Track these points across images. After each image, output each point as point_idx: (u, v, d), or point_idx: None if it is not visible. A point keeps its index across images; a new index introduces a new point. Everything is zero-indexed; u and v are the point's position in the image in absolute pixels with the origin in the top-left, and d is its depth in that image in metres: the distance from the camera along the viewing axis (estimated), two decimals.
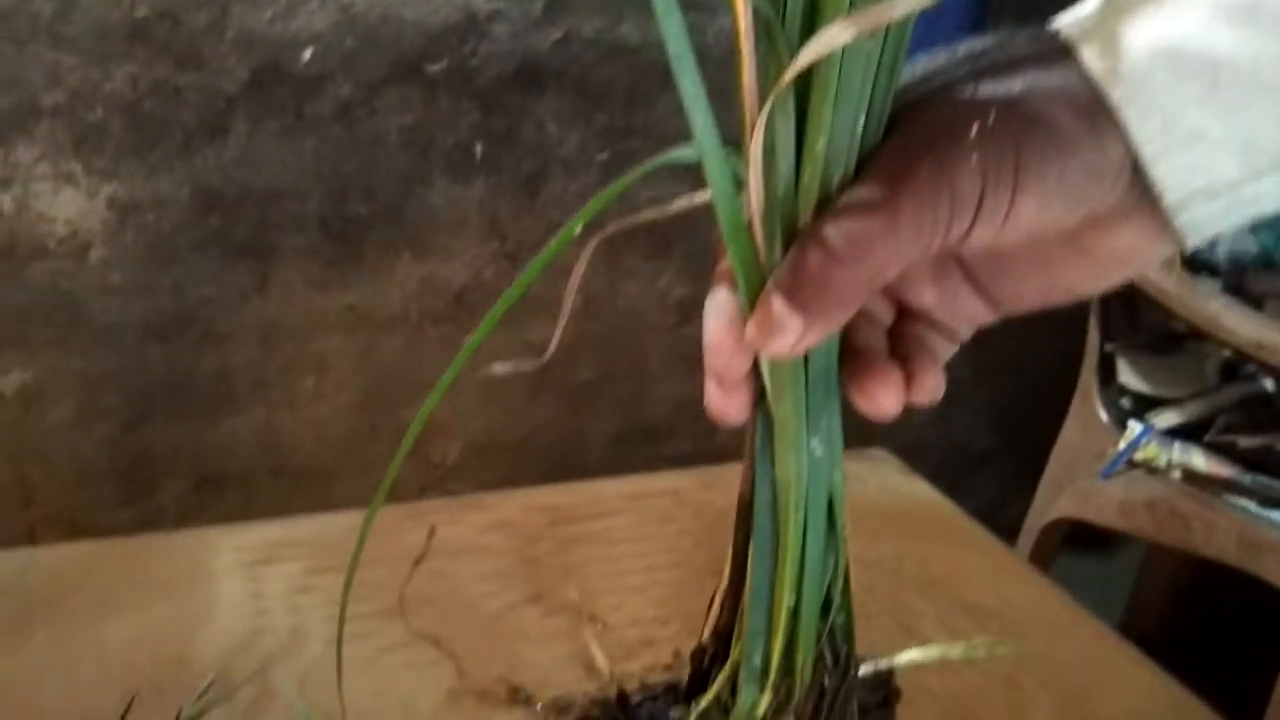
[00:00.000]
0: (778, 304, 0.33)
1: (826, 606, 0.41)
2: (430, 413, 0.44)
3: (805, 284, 0.33)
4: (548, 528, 0.87)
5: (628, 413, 1.40)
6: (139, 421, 1.07)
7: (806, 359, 0.36)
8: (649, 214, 0.37)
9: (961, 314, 0.38)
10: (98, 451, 1.06)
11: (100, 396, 1.04)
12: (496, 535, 0.86)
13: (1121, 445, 1.28)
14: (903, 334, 0.39)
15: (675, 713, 0.48)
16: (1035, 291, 0.36)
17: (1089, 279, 0.35)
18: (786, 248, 0.34)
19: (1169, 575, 1.58)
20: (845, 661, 0.42)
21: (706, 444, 1.41)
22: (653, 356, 1.36)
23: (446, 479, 1.29)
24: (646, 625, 0.74)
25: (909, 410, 0.37)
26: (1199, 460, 1.22)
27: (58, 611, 0.69)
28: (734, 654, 0.45)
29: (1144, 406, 1.33)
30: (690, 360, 1.40)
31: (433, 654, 0.72)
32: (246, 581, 0.75)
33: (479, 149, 1.11)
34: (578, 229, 0.36)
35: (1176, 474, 1.23)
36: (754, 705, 0.42)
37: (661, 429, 1.42)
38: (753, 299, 0.34)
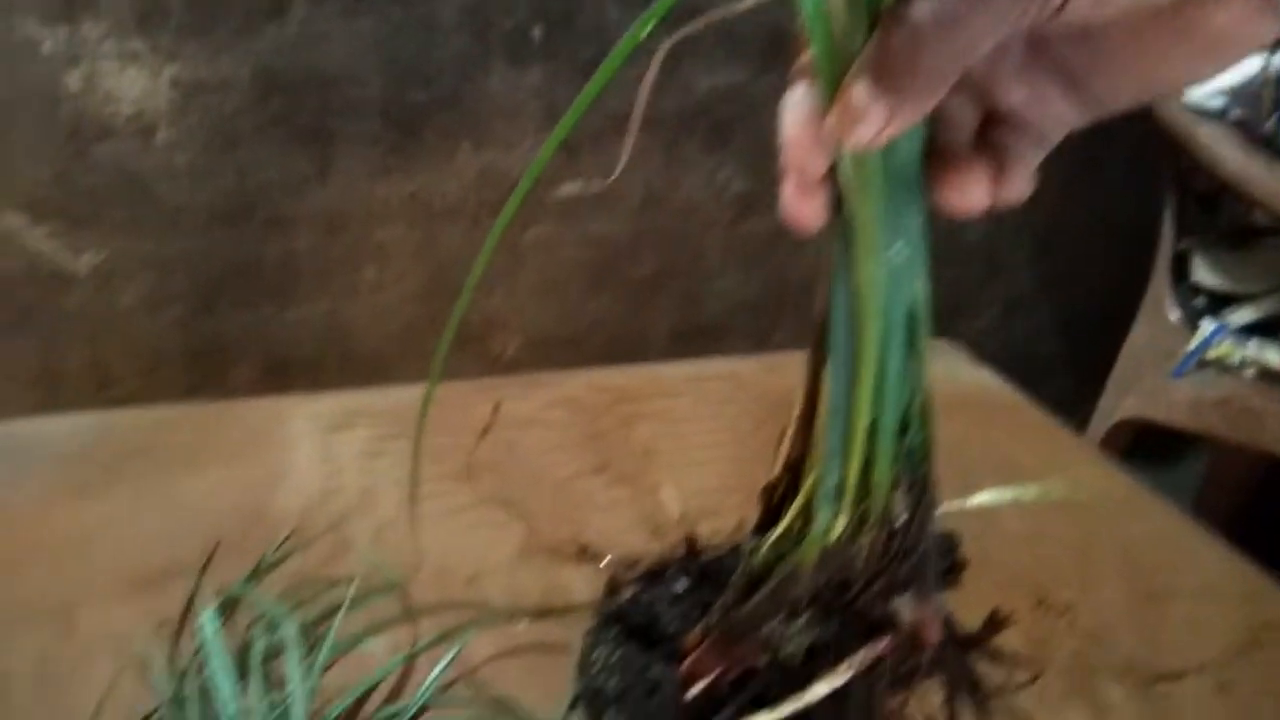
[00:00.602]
0: (861, 90, 0.32)
1: (905, 427, 0.40)
2: (483, 276, 0.43)
3: (890, 66, 0.32)
4: (611, 405, 0.88)
5: (685, 310, 1.39)
6: (208, 306, 1.09)
7: (888, 155, 0.34)
8: (720, 12, 0.36)
9: (1051, 114, 0.36)
10: (169, 335, 1.09)
11: (170, 280, 1.06)
12: (561, 411, 0.86)
13: (1193, 344, 1.24)
14: (989, 138, 0.37)
15: (747, 545, 0.49)
16: (1130, 84, 0.35)
17: (1186, 66, 0.33)
18: (870, 33, 0.33)
19: (1234, 482, 1.55)
20: (923, 483, 0.42)
21: (764, 343, 1.40)
22: (711, 252, 1.35)
23: (506, 373, 1.29)
24: (709, 496, 0.74)
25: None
26: (1274, 356, 1.18)
27: (140, 468, 0.72)
28: (807, 482, 0.45)
29: (1217, 304, 1.29)
30: (748, 257, 1.38)
31: (502, 515, 0.73)
32: (319, 446, 0.77)
33: (537, 32, 1.09)
34: (645, 31, 0.35)
35: (1250, 371, 1.20)
36: (829, 528, 0.42)
37: (719, 326, 1.42)
38: (834, 89, 0.33)
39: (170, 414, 0.79)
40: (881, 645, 0.46)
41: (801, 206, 0.36)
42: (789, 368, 0.98)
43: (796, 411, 0.46)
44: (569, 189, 1.22)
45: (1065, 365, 1.60)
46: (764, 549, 0.47)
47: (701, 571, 0.59)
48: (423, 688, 0.58)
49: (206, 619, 0.53)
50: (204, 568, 0.63)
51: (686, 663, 0.52)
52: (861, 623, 0.48)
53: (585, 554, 0.71)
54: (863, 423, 0.39)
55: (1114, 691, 0.63)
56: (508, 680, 0.60)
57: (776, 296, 1.40)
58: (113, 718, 0.53)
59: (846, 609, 0.47)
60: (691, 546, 0.58)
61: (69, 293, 1.03)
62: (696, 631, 0.53)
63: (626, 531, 0.73)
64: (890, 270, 0.36)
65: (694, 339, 1.40)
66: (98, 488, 0.69)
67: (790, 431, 0.46)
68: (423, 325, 1.21)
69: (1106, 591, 0.72)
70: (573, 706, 0.58)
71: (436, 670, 0.59)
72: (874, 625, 0.47)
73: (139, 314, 1.06)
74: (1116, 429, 1.37)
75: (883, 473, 0.40)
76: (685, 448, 0.83)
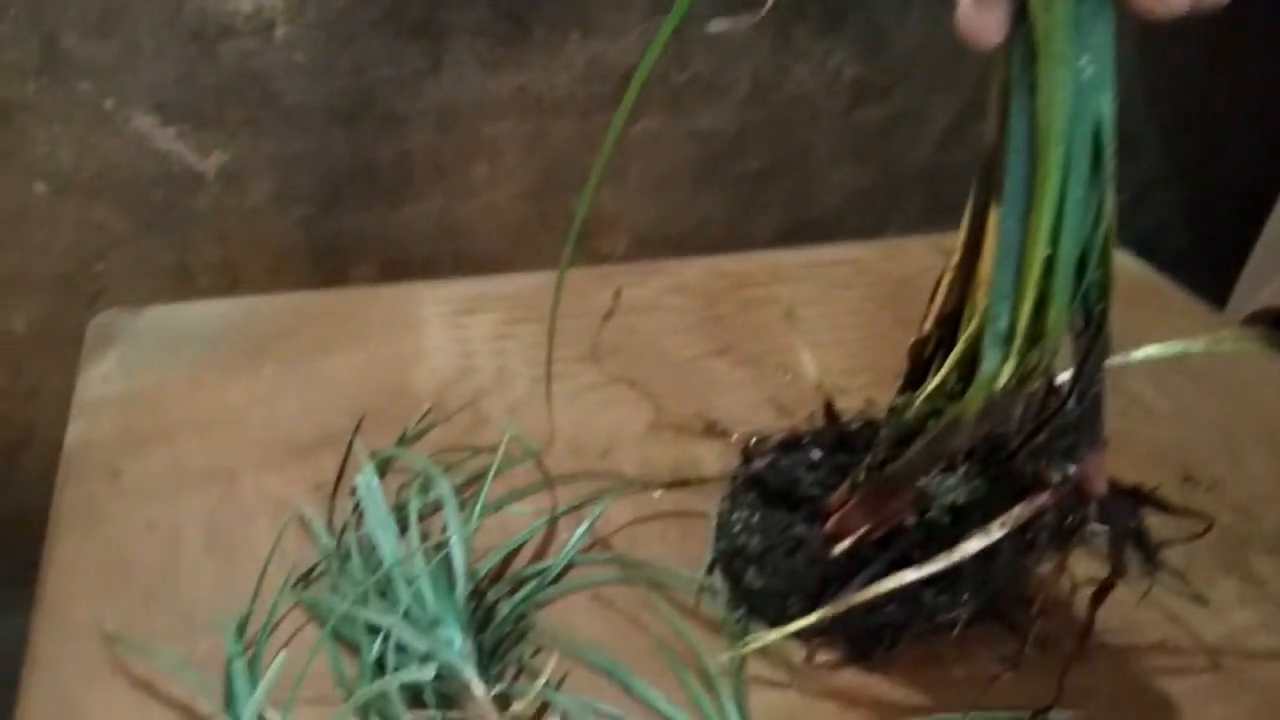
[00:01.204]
0: None
1: (1083, 263, 0.39)
2: (599, 184, 0.42)
3: None
4: (729, 291, 0.87)
5: (794, 205, 1.36)
6: (328, 205, 1.12)
7: None
8: None
9: None
10: (293, 234, 1.11)
11: (293, 179, 1.08)
12: (680, 297, 0.86)
13: None
14: None
15: (896, 401, 0.48)
16: None
17: None
18: None
19: None
20: (1098, 326, 0.40)
21: (876, 238, 1.36)
22: (821, 144, 1.31)
23: None
24: (836, 376, 0.73)
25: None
26: None
27: (283, 348, 0.74)
28: (966, 331, 0.43)
29: None
30: (861, 148, 1.34)
31: (630, 394, 0.74)
32: (451, 329, 0.79)
33: None
34: None
35: None
36: (995, 375, 0.41)
37: (830, 222, 1.39)
38: None
39: (307, 300, 0.82)
40: (1041, 499, 0.45)
41: (981, 18, 0.34)
42: (909, 253, 0.96)
43: (955, 259, 0.44)
44: (676, 80, 1.19)
45: (1197, 256, 1.52)
46: (915, 404, 0.46)
47: (839, 439, 0.59)
48: (566, 548, 0.60)
49: (366, 474, 0.55)
50: (352, 437, 0.65)
51: (831, 521, 0.53)
52: (1020, 477, 0.47)
53: (713, 430, 0.71)
54: (1038, 258, 0.37)
55: (1265, 564, 0.62)
56: (645, 545, 0.61)
57: (890, 189, 1.36)
58: (279, 570, 0.56)
59: (1006, 462, 0.47)
60: (830, 412, 0.58)
61: (198, 193, 1.06)
62: (841, 491, 0.53)
63: (753, 410, 0.73)
64: (1076, 86, 0.34)
65: (803, 235, 1.37)
66: (244, 367, 0.72)
67: (946, 280, 0.45)
68: (534, 223, 1.22)
69: (1254, 467, 0.69)
70: (711, 568, 0.59)
71: (578, 533, 0.60)
72: (1033, 479, 0.47)
73: (264, 214, 1.09)
74: (1250, 320, 1.30)
75: (1058, 313, 0.39)
76: (807, 331, 0.82)
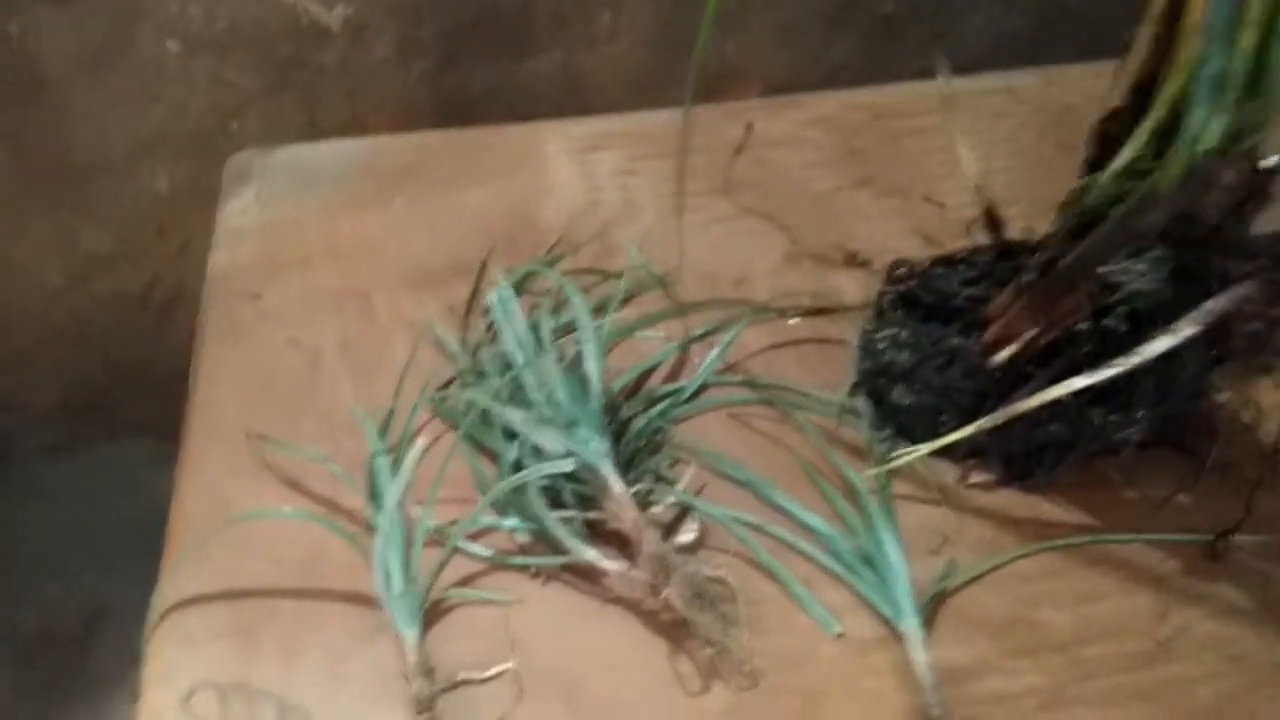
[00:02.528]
0: None
1: None
2: (716, 21, 0.38)
3: None
4: (870, 123, 0.82)
5: (936, 50, 1.27)
6: (452, 59, 1.10)
7: None
8: None
9: None
10: (418, 89, 1.10)
11: (415, 31, 1.06)
12: (816, 130, 0.81)
13: None
14: None
15: (1077, 184, 0.43)
16: None
17: None
18: None
19: None
20: None
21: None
22: None
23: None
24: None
25: None
26: None
27: (412, 184, 0.73)
28: (1164, 93, 0.38)
29: None
30: None
31: (764, 226, 0.71)
32: (577, 165, 0.76)
33: None
34: None
35: None
36: (1202, 131, 0.36)
37: (974, 67, 1.29)
38: None
39: (432, 139, 0.81)
40: (1242, 291, 0.40)
41: None
42: (1070, 80, 0.88)
43: (1154, 14, 0.39)
44: None
45: None
46: (1099, 185, 0.42)
47: (1000, 252, 0.54)
48: (700, 370, 0.58)
49: (502, 288, 0.54)
50: (484, 264, 0.65)
51: (991, 329, 0.49)
52: (1214, 271, 0.42)
53: (854, 260, 0.67)
54: None
55: None
56: (781, 370, 0.59)
57: (1040, 28, 1.25)
58: (415, 384, 0.56)
59: (1200, 249, 0.42)
60: (992, 217, 0.53)
61: (325, 47, 1.05)
62: (1005, 295, 0.49)
63: (897, 240, 0.68)
64: None
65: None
66: (376, 201, 0.72)
67: (1143, 38, 0.39)
68: (658, 74, 1.17)
69: None
70: (854, 389, 0.56)
71: (712, 355, 0.58)
72: (1230, 274, 0.41)
73: (389, 68, 1.08)
74: None
75: None
76: (957, 160, 0.76)
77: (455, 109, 1.13)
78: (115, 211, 1.12)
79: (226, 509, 0.48)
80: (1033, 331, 0.46)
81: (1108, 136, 0.43)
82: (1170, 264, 0.40)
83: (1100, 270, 0.41)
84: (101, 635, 0.98)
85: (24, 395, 1.20)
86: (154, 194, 1.12)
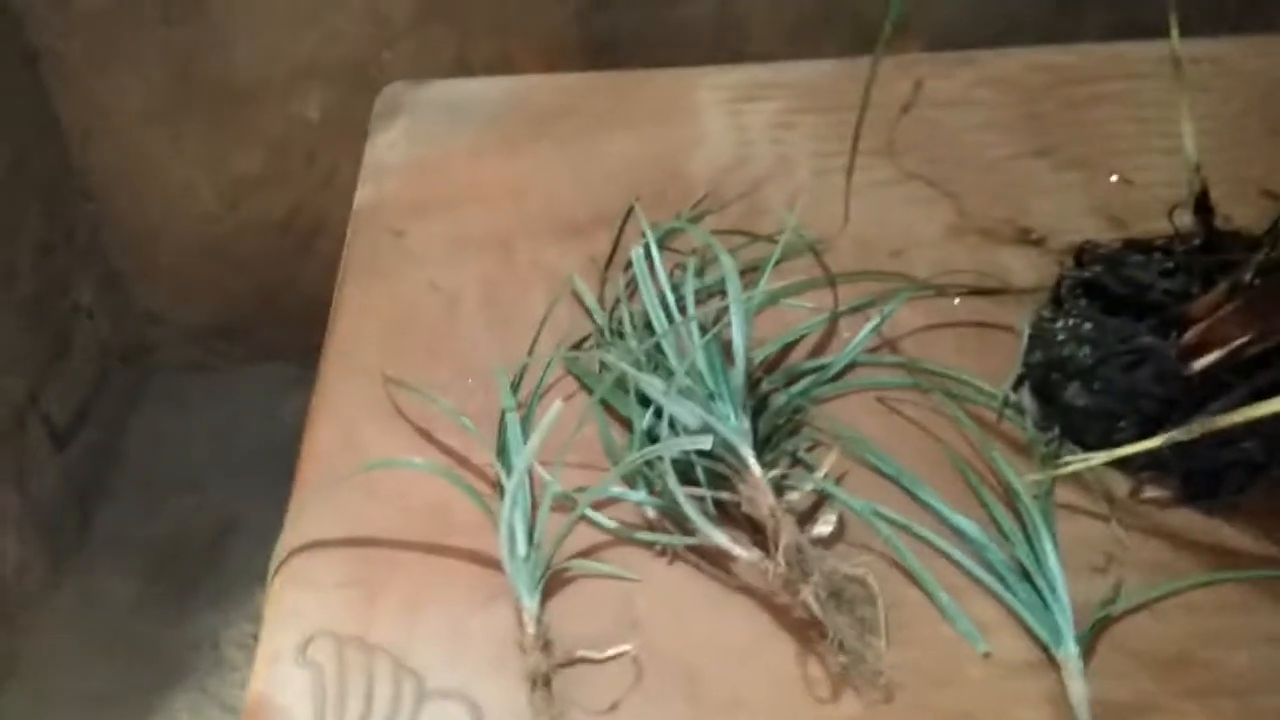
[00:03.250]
0: None
1: None
2: None
3: None
4: (1052, 87, 0.75)
5: (1127, 2, 1.16)
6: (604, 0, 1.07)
7: None
8: None
9: None
10: (569, 28, 1.08)
11: None
12: (991, 90, 0.75)
13: None
14: None
15: None
16: None
17: None
18: None
19: None
20: None
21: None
22: None
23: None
24: (1184, 186, 0.61)
25: None
26: None
27: (560, 127, 0.71)
28: None
29: None
30: None
31: (928, 192, 0.66)
32: (729, 116, 0.73)
33: None
34: None
35: None
36: None
37: (1165, 24, 1.17)
38: None
39: (586, 80, 0.78)
40: None
41: None
42: None
43: None
44: None
45: None
46: None
47: (1207, 242, 0.48)
48: (849, 347, 0.54)
49: (644, 245, 0.51)
50: (627, 216, 0.62)
51: (1191, 332, 0.44)
52: None
53: (1027, 236, 0.62)
54: None
55: None
56: (938, 353, 0.54)
57: None
58: (550, 338, 0.54)
59: None
60: (1204, 203, 0.47)
61: None
62: (1211, 296, 0.43)
63: (1077, 218, 0.63)
64: None
65: (1135, 37, 1.17)
66: (524, 142, 0.70)
67: None
68: (816, 22, 1.11)
69: None
70: (1020, 381, 0.51)
71: (864, 331, 0.55)
72: None
73: (541, 3, 1.06)
74: None
75: None
76: (1149, 134, 0.69)
77: (604, 51, 1.10)
78: (267, 136, 1.14)
79: (358, 452, 0.48)
80: (1243, 339, 0.41)
81: None
82: None
83: None
84: (231, 550, 1.02)
85: (173, 311, 1.25)
86: (305, 121, 1.14)
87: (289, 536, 0.45)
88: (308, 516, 0.45)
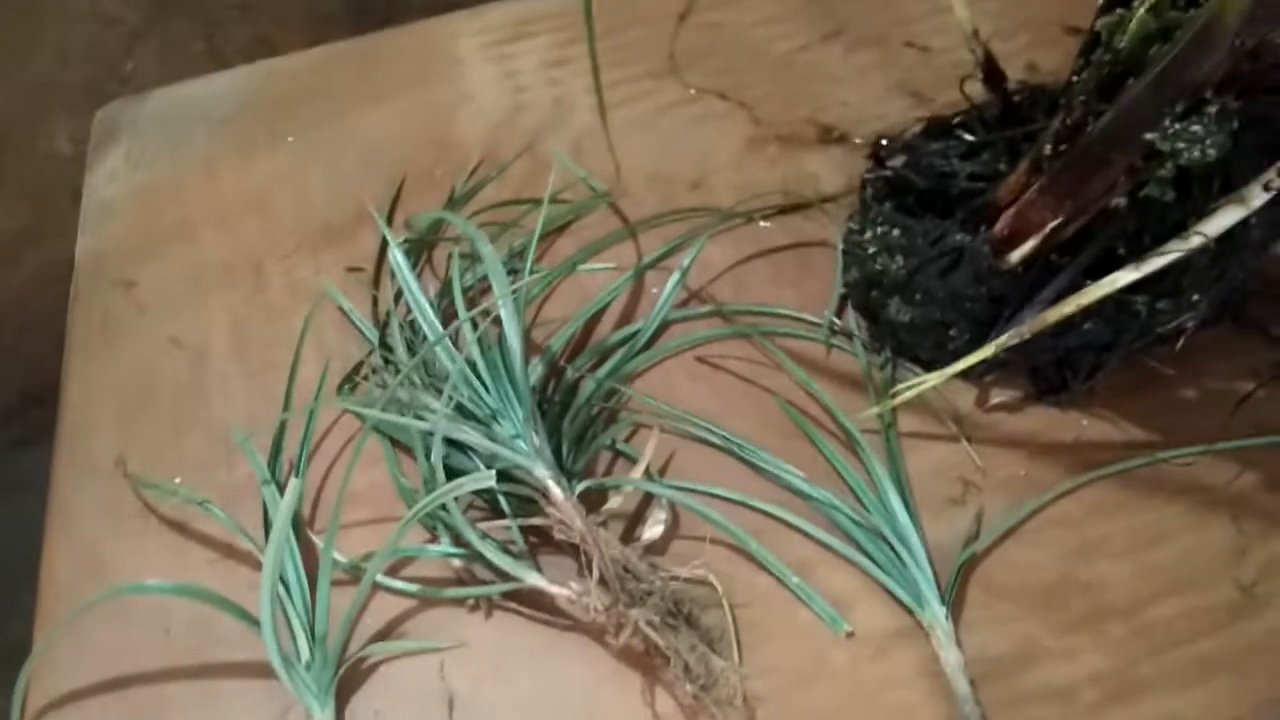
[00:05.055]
0: None
1: None
2: None
3: None
4: None
5: None
6: None
7: None
8: None
9: None
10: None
11: None
12: None
13: None
14: None
15: (1101, 24, 0.32)
16: None
17: None
18: None
19: None
20: None
21: None
22: None
23: None
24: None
25: None
26: None
27: (306, 114, 0.62)
28: None
29: None
30: None
31: (720, 106, 0.59)
32: (496, 62, 0.65)
33: None
34: None
35: None
36: None
37: None
38: None
39: (327, 55, 0.69)
40: None
41: None
42: None
43: None
44: None
45: None
46: (1133, 22, 0.31)
47: (1004, 112, 0.43)
48: (657, 306, 0.48)
49: (395, 247, 0.44)
50: (392, 207, 0.54)
51: (1002, 220, 0.39)
52: None
53: (830, 135, 0.56)
54: None
55: None
56: (754, 289, 0.49)
57: None
58: (315, 369, 0.47)
59: (1272, 95, 0.31)
60: (991, 68, 0.42)
61: None
62: (1016, 176, 0.38)
63: (879, 102, 0.57)
64: None
65: None
66: (264, 142, 0.61)
67: None
68: None
69: None
70: (841, 306, 0.46)
71: (670, 285, 0.49)
72: None
73: None
74: None
75: None
76: None
77: (367, 12, 1.00)
78: (25, 182, 1.02)
79: (103, 571, 0.40)
80: (1056, 220, 0.36)
81: None
82: (1237, 119, 0.30)
83: (1142, 136, 0.31)
84: None
85: None
86: (61, 157, 1.01)
87: (31, 695, 0.37)
88: (51, 663, 0.38)
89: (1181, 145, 0.30)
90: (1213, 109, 0.29)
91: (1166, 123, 0.30)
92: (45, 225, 1.05)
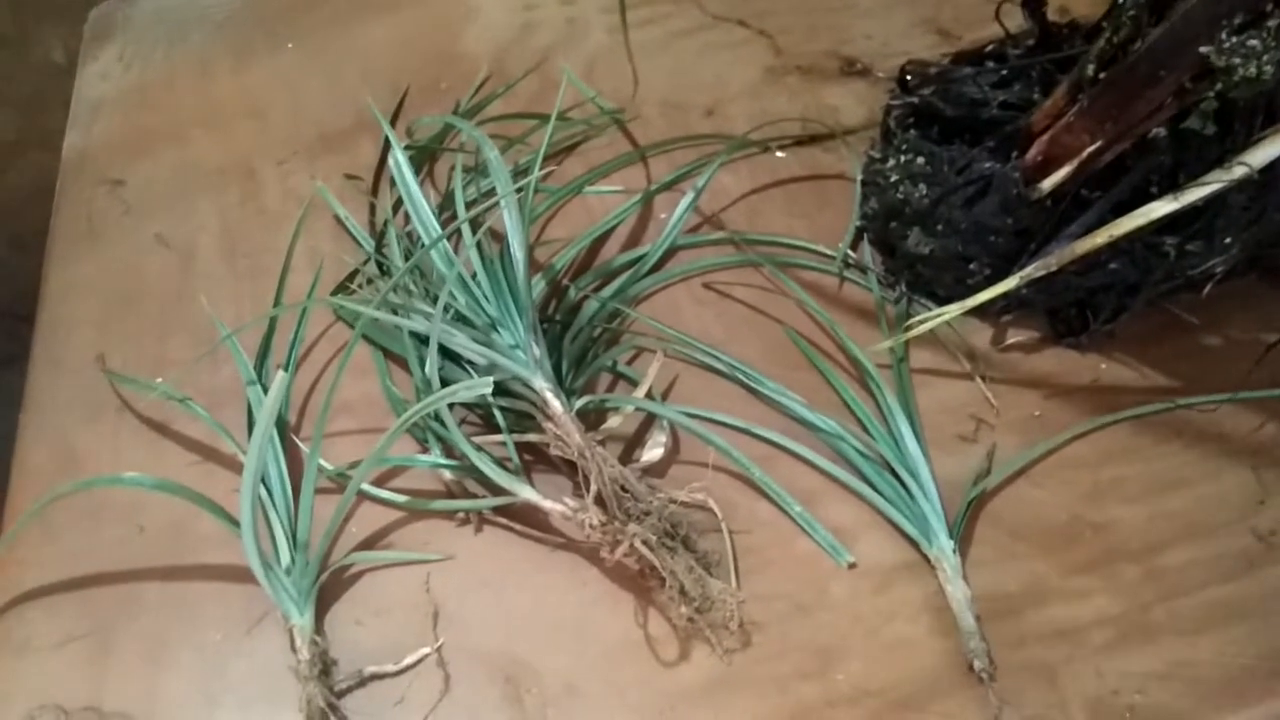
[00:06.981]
0: None
1: None
2: None
3: None
4: None
5: None
6: None
7: None
8: None
9: None
10: None
11: None
12: None
13: None
14: None
15: None
16: None
17: None
18: None
19: None
20: None
21: None
22: None
23: None
24: None
25: None
26: None
27: (307, 20, 0.60)
28: None
29: None
30: None
31: (739, 34, 0.57)
32: None
33: None
34: None
35: None
36: None
37: None
38: None
39: None
40: None
41: None
42: None
43: None
44: None
45: None
46: None
47: (1044, 39, 0.41)
48: (666, 230, 0.46)
49: (396, 151, 0.42)
50: (394, 117, 0.52)
51: (1035, 146, 0.37)
52: None
53: (852, 67, 0.54)
54: None
55: None
56: (767, 218, 0.47)
57: None
58: (306, 276, 0.45)
59: None
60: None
61: None
62: (1053, 100, 0.36)
63: (903, 37, 0.55)
64: None
65: None
66: (262, 47, 0.59)
67: None
68: None
69: None
70: (858, 237, 0.45)
71: (680, 209, 0.47)
72: None
73: None
74: None
75: None
76: None
77: None
78: (16, 93, 0.99)
79: (76, 467, 0.39)
80: (1093, 146, 0.34)
81: None
82: None
83: (1195, 51, 0.29)
84: None
85: None
86: (54, 67, 0.98)
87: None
88: (21, 555, 0.36)
89: (1237, 60, 0.28)
90: (1273, 23, 0.27)
91: (1222, 36, 0.28)
92: (35, 138, 1.02)
